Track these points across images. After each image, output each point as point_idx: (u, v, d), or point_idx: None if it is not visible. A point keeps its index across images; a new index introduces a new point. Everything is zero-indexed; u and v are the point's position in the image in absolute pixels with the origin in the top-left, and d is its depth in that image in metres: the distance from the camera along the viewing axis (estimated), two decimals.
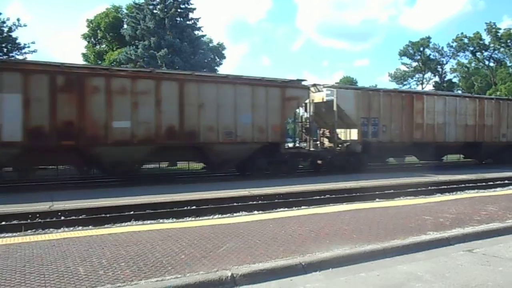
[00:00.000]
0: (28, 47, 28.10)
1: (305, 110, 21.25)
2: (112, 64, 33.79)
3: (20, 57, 27.60)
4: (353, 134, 20.79)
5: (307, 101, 20.30)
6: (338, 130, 20.82)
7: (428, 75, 67.84)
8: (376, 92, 21.53)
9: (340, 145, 20.80)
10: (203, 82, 16.83)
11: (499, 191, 13.70)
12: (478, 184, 16.20)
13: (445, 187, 15.27)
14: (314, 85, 21.04)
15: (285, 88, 18.45)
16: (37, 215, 9.71)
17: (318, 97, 20.87)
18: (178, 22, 33.37)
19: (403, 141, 21.86)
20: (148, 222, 9.07)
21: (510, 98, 26.61)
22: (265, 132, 17.86)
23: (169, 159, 20.76)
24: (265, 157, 18.02)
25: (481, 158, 26.52)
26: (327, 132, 21.55)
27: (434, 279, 5.02)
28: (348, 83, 66.16)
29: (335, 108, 19.83)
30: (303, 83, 19.45)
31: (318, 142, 21.45)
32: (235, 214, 9.98)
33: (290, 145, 21.53)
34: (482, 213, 8.91)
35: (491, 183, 16.55)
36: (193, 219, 9.35)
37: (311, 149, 20.62)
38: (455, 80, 66.86)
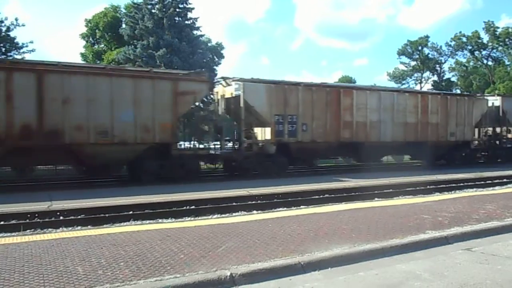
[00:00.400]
0: (26, 46, 28.08)
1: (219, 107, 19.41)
2: (111, 64, 33.77)
3: (19, 57, 27.57)
4: (267, 134, 18.66)
5: (219, 96, 18.95)
6: (256, 129, 19.04)
7: (427, 74, 67.95)
8: (294, 86, 19.18)
9: (252, 146, 18.87)
10: (70, 74, 14.52)
11: (498, 190, 13.74)
12: (477, 183, 16.22)
13: (444, 186, 15.28)
14: (223, 78, 19.39)
15: (177, 81, 16.31)
16: (36, 215, 9.71)
17: (228, 92, 18.97)
18: (176, 21, 33.31)
19: (328, 141, 19.63)
20: (147, 222, 9.07)
21: (460, 93, 25.53)
22: (152, 131, 15.77)
23: (25, 163, 16.09)
24: (155, 160, 16.09)
25: (428, 159, 23.96)
26: (249, 132, 19.24)
27: (432, 278, 5.03)
28: (346, 83, 66.22)
29: (242, 104, 17.79)
30: (220, 77, 18.07)
31: (232, 143, 19.48)
32: (234, 214, 9.99)
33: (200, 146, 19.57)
34: (480, 211, 8.93)
35: (490, 181, 16.58)
36: (192, 219, 9.35)
37: (222, 150, 18.79)
38: (453, 79, 67.00)
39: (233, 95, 18.49)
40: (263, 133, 18.93)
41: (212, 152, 18.78)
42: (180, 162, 16.57)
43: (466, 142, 24.64)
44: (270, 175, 17.38)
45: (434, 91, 25.75)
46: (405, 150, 25.21)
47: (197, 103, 18.21)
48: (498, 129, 26.81)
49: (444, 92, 24.89)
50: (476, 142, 26.38)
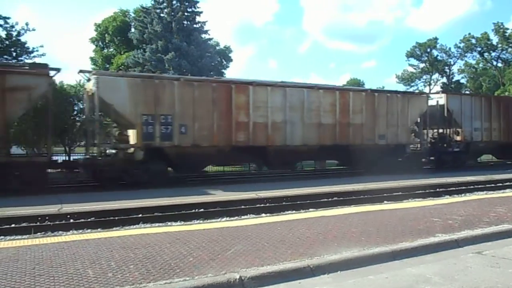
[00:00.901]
0: (37, 51, 28.33)
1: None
2: (120, 68, 34.02)
3: (29, 61, 27.86)
4: (132, 137, 16.01)
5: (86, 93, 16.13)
6: (129, 132, 16.29)
7: (436, 76, 67.75)
8: (169, 81, 16.58)
9: (115, 151, 16.30)
10: None
11: (508, 192, 13.58)
12: (487, 185, 16.08)
13: (454, 188, 15.15)
14: (82, 71, 16.54)
15: (4, 74, 13.46)
16: (47, 218, 9.78)
17: (89, 88, 16.07)
18: (185, 25, 33.54)
19: (217, 145, 16.84)
20: (156, 224, 9.09)
21: (392, 90, 21.68)
22: None
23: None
24: None
25: (354, 165, 21.13)
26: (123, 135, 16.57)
27: (443, 282, 4.99)
28: (355, 85, 66.05)
29: (96, 101, 15.08)
30: (79, 70, 15.50)
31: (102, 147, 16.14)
32: (242, 217, 9.97)
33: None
34: (491, 214, 8.84)
35: (500, 184, 16.41)
36: (201, 222, 9.37)
37: (86, 157, 16.38)
38: (463, 81, 66.60)
39: (93, 92, 15.49)
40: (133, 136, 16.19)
41: (81, 158, 16.64)
42: (12, 171, 13.71)
43: (400, 146, 21.40)
44: (141, 186, 14.88)
45: (358, 87, 21.71)
46: (323, 155, 21.46)
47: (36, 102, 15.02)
48: (446, 131, 23.98)
49: (372, 89, 21.64)
50: (418, 145, 23.15)
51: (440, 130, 23.96)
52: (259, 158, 19.06)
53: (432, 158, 23.39)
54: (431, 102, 23.35)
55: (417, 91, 24.12)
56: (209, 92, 16.76)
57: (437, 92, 25.36)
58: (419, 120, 22.66)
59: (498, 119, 25.13)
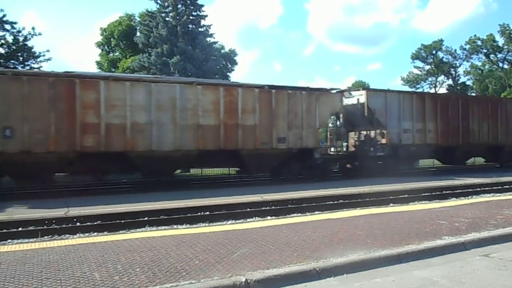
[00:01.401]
0: (43, 55, 28.55)
1: None
2: (126, 72, 34.19)
3: (36, 66, 28.08)
4: None
5: None
6: None
7: (441, 78, 67.36)
8: None
9: None
10: None
11: None
12: (494, 187, 15.97)
13: (460, 191, 15.08)
14: None
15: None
16: (53, 221, 9.84)
17: None
18: (190, 29, 33.64)
19: (56, 151, 14.18)
20: (162, 228, 9.13)
21: (295, 86, 18.43)
22: None
23: None
24: None
25: (249, 172, 18.71)
26: None
27: (450, 285, 4.96)
28: (359, 87, 65.83)
29: None
30: None
31: None
32: (248, 220, 9.99)
33: None
34: (498, 217, 8.79)
35: (507, 186, 16.30)
36: (206, 224, 9.38)
37: None
38: (468, 83, 66.30)
39: None
40: None
41: None
42: None
43: (306, 150, 18.57)
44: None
45: (251, 83, 18.05)
46: (206, 162, 18.26)
47: None
48: (370, 133, 20.87)
49: (270, 84, 18.19)
50: (332, 149, 21.08)
51: (365, 132, 21.06)
52: (116, 166, 16.03)
53: (352, 164, 20.93)
54: (352, 100, 21.05)
55: (329, 87, 19.86)
56: (43, 89, 14.11)
57: (357, 89, 22.23)
58: (340, 121, 21.00)
59: (434, 119, 22.42)
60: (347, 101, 21.02)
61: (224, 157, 17.60)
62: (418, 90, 63.59)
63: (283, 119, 17.99)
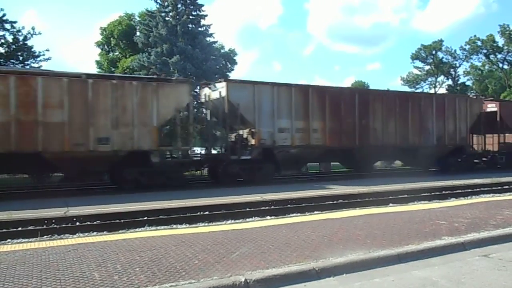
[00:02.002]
0: (43, 55, 28.55)
1: None
2: (126, 71, 34.18)
3: (35, 65, 28.07)
4: None
5: None
6: None
7: (441, 78, 67.38)
8: None
9: None
10: None
11: None
12: (494, 188, 15.96)
13: (460, 191, 15.08)
14: None
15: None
16: (53, 221, 9.83)
17: None
18: (190, 29, 33.63)
19: None
20: (162, 227, 9.13)
21: (123, 75, 16.26)
22: None
23: None
24: None
25: (70, 178, 16.44)
26: None
27: (449, 285, 4.96)
28: (360, 87, 65.95)
29: None
30: None
31: None
32: (247, 220, 9.99)
33: None
34: (498, 217, 8.79)
35: (507, 187, 16.29)
36: (206, 224, 9.37)
37: None
38: (468, 83, 66.29)
39: None
40: None
41: None
42: None
43: (141, 153, 15.60)
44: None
45: (59, 71, 15.08)
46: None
47: None
48: (244, 133, 18.12)
49: (88, 73, 15.90)
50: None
51: (237, 132, 18.31)
52: None
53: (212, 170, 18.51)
54: (215, 94, 18.14)
55: (175, 77, 18.19)
56: None
57: (219, 81, 18.90)
58: (207, 117, 18.32)
59: (321, 117, 18.98)
60: (213, 95, 18.38)
61: (19, 161, 14.31)
62: (418, 90, 63.80)
63: (105, 116, 14.92)
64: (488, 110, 24.99)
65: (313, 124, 18.82)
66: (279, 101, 18.15)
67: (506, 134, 25.62)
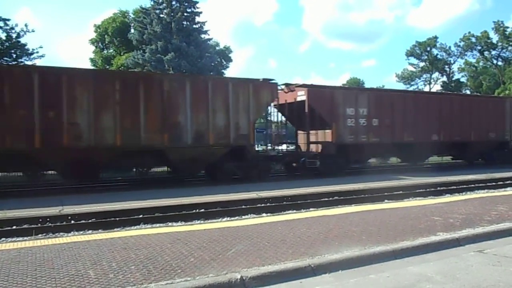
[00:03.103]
0: (37, 52, 28.35)
1: None
2: (120, 69, 34.03)
3: (29, 63, 27.88)
4: None
5: None
6: None
7: (436, 75, 67.70)
8: None
9: None
10: None
11: (510, 191, 13.57)
12: (488, 184, 16.04)
13: (455, 187, 15.14)
14: None
15: None
16: (48, 219, 9.77)
17: None
18: (184, 26, 33.54)
19: None
20: (157, 225, 9.10)
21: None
22: None
23: None
24: None
25: None
26: None
27: (444, 280, 4.98)
28: (355, 85, 66.14)
29: None
30: None
31: None
32: (243, 217, 9.96)
33: None
34: (492, 213, 8.83)
35: (501, 182, 16.38)
36: (201, 222, 9.36)
37: None
38: (463, 79, 66.54)
39: None
40: None
41: None
42: None
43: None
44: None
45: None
46: None
47: None
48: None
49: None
50: None
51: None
52: None
53: None
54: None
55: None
56: None
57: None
58: None
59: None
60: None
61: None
62: (412, 88, 63.91)
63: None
64: (299, 99, 19.66)
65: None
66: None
67: (325, 131, 20.00)
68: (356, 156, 20.98)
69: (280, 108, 20.77)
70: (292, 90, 19.98)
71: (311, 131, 19.85)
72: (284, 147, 21.96)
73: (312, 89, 19.54)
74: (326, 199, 12.66)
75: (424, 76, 67.90)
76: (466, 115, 23.69)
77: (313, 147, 20.09)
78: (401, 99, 21.86)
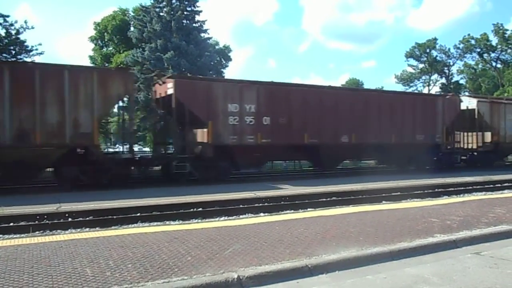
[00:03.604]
0: (36, 49, 28.23)
1: None
2: (120, 66, 33.98)
3: (28, 60, 27.79)
4: None
5: None
6: None
7: (435, 76, 67.74)
8: None
9: None
10: None
11: (507, 193, 13.60)
12: (486, 186, 16.08)
13: (453, 189, 15.16)
14: None
15: None
16: (45, 217, 9.77)
17: None
18: (184, 24, 33.45)
19: None
20: (155, 224, 9.08)
21: None
22: None
23: None
24: None
25: None
26: None
27: (441, 282, 4.99)
28: (354, 85, 66.19)
29: None
30: None
31: None
32: (241, 216, 9.97)
33: None
34: (489, 215, 8.85)
35: (499, 185, 16.42)
36: (199, 221, 9.37)
37: None
38: (462, 81, 66.66)
39: None
40: None
41: None
42: None
43: None
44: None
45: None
46: None
47: None
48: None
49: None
50: None
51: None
52: None
53: None
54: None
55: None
56: None
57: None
58: None
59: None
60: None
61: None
62: (411, 89, 63.98)
63: None
64: (169, 92, 17.11)
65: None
66: None
67: (204, 130, 17.32)
68: (245, 159, 17.96)
69: (157, 103, 18.49)
70: (164, 82, 17.43)
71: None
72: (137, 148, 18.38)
73: (180, 81, 17.04)
74: (324, 199, 12.69)
75: (423, 77, 67.99)
76: (386, 115, 20.84)
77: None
78: (299, 94, 18.88)
